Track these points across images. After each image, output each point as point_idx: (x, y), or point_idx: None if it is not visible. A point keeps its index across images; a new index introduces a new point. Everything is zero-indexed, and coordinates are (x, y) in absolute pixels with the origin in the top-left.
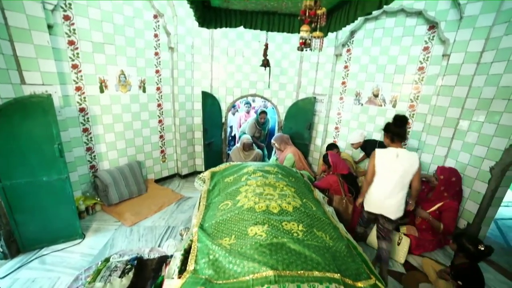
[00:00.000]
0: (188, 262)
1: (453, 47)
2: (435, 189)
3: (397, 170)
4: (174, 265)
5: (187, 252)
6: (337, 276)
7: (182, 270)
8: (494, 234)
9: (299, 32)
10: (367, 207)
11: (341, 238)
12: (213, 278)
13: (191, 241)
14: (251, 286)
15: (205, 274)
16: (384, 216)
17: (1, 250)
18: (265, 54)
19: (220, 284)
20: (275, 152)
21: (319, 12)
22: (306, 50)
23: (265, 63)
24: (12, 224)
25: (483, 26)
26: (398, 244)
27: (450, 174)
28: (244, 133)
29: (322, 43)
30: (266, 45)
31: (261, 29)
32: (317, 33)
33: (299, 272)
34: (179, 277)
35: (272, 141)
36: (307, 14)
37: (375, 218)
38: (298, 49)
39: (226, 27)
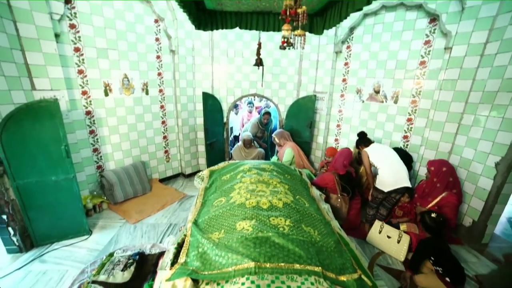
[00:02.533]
0: (180, 255)
1: (455, 40)
2: (428, 182)
3: (388, 150)
4: (167, 258)
5: (180, 246)
6: (317, 269)
7: (174, 262)
8: (507, 233)
9: (293, 30)
10: (386, 188)
11: (331, 234)
12: (199, 269)
13: (185, 235)
14: (232, 277)
15: (193, 266)
16: (400, 188)
17: (17, 244)
18: (258, 53)
19: (205, 274)
20: (277, 153)
21: (299, 11)
22: (289, 49)
23: (258, 62)
24: (26, 221)
25: (486, 17)
26: (398, 242)
27: (440, 164)
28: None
29: (304, 41)
30: (259, 44)
31: (256, 29)
32: (299, 31)
33: (279, 264)
34: (171, 269)
35: (273, 135)
36: (288, 13)
37: (385, 197)
38: (280, 48)
39: (222, 28)
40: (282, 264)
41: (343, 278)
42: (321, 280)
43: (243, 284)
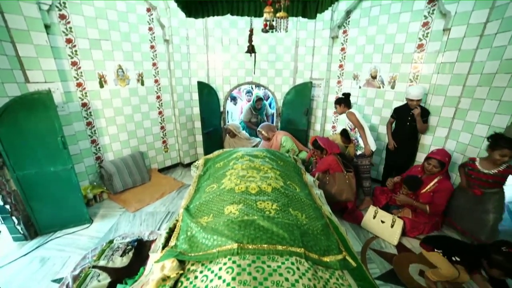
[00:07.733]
0: (171, 239)
1: (454, 20)
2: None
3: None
4: (159, 242)
5: (172, 231)
6: (300, 250)
7: (165, 246)
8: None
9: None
10: (374, 147)
11: (320, 217)
12: (186, 251)
13: (177, 220)
14: (216, 257)
15: (181, 248)
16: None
17: (22, 232)
18: (250, 40)
19: (191, 256)
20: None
21: None
22: (272, 32)
23: (250, 49)
24: (29, 210)
25: None
26: (392, 226)
27: (445, 155)
28: (243, 120)
29: (287, 23)
30: (251, 31)
31: (248, 15)
32: (281, 13)
33: (262, 245)
34: (161, 252)
35: (259, 129)
36: None
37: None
38: (262, 31)
39: (213, 15)
40: (265, 245)
41: (326, 259)
42: (302, 260)
43: (225, 264)
